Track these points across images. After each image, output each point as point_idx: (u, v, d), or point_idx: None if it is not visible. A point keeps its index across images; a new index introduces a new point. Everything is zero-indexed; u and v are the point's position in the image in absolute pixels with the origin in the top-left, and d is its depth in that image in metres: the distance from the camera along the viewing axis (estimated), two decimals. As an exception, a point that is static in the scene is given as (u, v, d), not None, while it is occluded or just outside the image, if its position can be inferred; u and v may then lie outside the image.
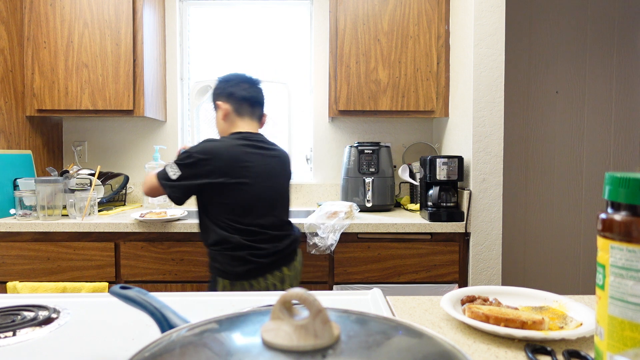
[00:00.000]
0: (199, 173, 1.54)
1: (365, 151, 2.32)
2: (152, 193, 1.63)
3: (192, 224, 1.97)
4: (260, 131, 1.73)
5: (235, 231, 1.54)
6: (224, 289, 1.55)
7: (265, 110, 1.77)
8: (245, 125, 1.67)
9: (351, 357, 0.36)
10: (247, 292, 0.93)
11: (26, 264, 2.00)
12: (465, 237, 2.02)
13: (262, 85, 1.75)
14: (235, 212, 1.55)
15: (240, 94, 1.67)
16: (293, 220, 2.02)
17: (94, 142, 2.70)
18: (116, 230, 1.97)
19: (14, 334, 0.68)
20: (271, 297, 0.89)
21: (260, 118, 1.74)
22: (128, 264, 1.98)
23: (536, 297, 0.83)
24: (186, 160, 1.55)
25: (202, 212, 1.60)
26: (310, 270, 2.00)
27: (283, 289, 1.56)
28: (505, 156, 2.68)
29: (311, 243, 1.96)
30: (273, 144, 1.71)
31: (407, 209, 2.38)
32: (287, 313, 0.40)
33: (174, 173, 1.55)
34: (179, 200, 1.57)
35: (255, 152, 1.60)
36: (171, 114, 2.67)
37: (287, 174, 1.73)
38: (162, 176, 1.58)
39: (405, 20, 2.29)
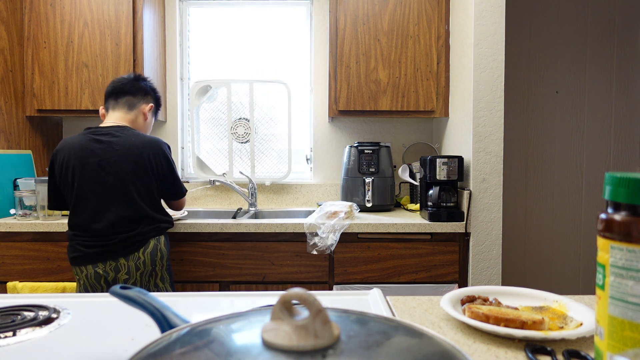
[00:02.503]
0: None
1: (365, 151, 2.32)
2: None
3: (192, 224, 1.97)
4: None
5: (69, 224, 1.69)
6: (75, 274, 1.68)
7: (147, 100, 1.83)
8: (110, 118, 1.76)
9: (351, 357, 0.36)
10: (247, 292, 0.93)
11: (26, 264, 2.00)
12: (465, 237, 2.02)
13: (135, 78, 1.81)
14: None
15: (107, 91, 1.79)
16: (293, 220, 2.03)
17: (94, 142, 2.70)
18: (116, 230, 1.97)
19: (14, 334, 0.68)
20: (271, 297, 0.90)
21: (130, 106, 1.77)
22: (128, 264, 1.98)
23: (536, 297, 0.83)
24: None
25: None
26: (311, 270, 2.00)
27: (117, 277, 1.61)
28: (505, 156, 2.68)
29: (311, 243, 1.96)
30: (119, 135, 1.67)
31: (407, 209, 2.38)
32: (287, 313, 0.40)
33: None
34: None
35: (95, 147, 1.65)
36: (171, 114, 2.67)
37: (134, 167, 1.64)
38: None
39: (405, 20, 2.29)
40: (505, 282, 2.68)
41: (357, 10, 2.28)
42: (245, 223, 1.99)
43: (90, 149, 1.64)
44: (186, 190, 1.85)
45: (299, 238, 1.99)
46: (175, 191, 1.80)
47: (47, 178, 2.05)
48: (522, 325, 0.67)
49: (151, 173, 1.67)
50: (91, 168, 1.62)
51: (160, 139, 1.75)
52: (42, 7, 2.29)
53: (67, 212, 2.12)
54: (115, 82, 1.79)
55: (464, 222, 2.00)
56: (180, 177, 1.82)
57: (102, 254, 1.61)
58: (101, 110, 1.82)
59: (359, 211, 2.27)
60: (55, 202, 1.75)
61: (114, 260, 1.61)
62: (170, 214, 2.07)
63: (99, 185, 1.62)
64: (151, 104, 1.84)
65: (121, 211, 1.62)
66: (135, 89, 1.79)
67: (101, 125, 1.73)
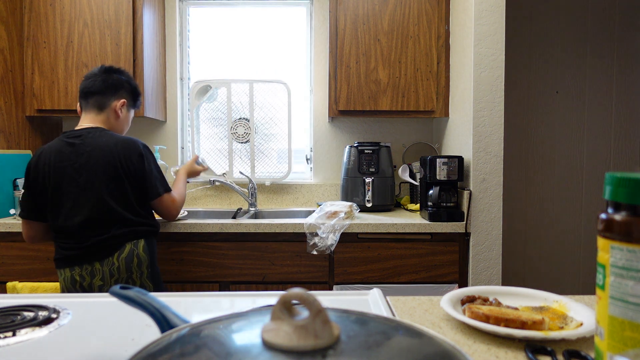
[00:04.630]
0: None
1: (365, 151, 2.32)
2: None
3: (192, 224, 1.97)
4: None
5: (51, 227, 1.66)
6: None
7: (117, 96, 1.71)
8: (83, 120, 1.71)
9: (351, 357, 0.36)
10: (247, 292, 0.93)
11: (26, 264, 2.00)
12: (465, 237, 2.02)
13: (105, 71, 1.71)
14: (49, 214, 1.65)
15: (79, 89, 1.71)
16: (293, 220, 2.03)
17: (94, 142, 2.70)
18: (116, 230, 1.97)
19: (14, 334, 0.68)
20: (271, 297, 0.89)
21: (100, 107, 1.69)
22: (128, 264, 1.98)
23: (536, 297, 0.83)
24: None
25: None
26: (311, 270, 2.00)
27: (92, 283, 1.58)
28: (505, 156, 2.68)
29: (311, 243, 1.96)
30: (91, 136, 1.63)
31: (407, 209, 2.38)
32: (287, 313, 0.40)
33: None
34: None
35: (68, 152, 1.61)
36: (171, 114, 2.67)
37: (106, 168, 1.59)
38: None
39: (405, 20, 2.29)
40: (505, 282, 2.68)
41: (357, 10, 2.28)
42: (245, 223, 1.99)
43: (63, 152, 1.61)
44: (164, 191, 1.70)
45: (299, 238, 1.99)
46: (149, 190, 1.66)
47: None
48: (522, 325, 0.67)
49: (123, 173, 1.61)
50: (64, 172, 1.59)
51: (136, 139, 1.67)
52: (42, 7, 2.29)
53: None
54: (84, 80, 1.70)
55: (464, 222, 2.00)
56: (159, 177, 1.70)
57: (78, 256, 1.58)
58: (78, 107, 1.74)
59: (359, 211, 2.27)
60: (27, 210, 1.66)
61: (90, 264, 1.58)
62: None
63: (72, 188, 1.59)
64: (123, 100, 1.73)
65: (92, 213, 1.58)
66: (104, 86, 1.68)
67: (76, 127, 1.69)
